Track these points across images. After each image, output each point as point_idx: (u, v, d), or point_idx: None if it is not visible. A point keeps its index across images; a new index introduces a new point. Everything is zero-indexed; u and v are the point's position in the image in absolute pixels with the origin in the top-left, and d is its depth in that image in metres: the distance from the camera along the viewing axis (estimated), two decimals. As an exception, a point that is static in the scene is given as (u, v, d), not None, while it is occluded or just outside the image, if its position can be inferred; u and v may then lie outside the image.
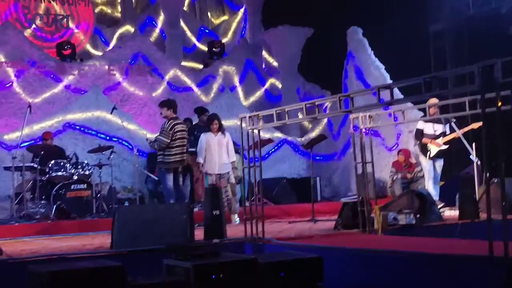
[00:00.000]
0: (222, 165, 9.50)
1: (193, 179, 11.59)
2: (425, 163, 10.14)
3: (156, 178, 11.16)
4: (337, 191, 14.21)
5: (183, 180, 9.94)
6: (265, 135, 14.10)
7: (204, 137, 9.56)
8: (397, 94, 11.83)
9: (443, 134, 10.05)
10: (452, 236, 6.80)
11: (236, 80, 16.68)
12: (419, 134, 10.21)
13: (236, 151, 12.18)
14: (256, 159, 6.85)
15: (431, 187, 9.80)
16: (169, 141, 9.37)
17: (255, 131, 6.77)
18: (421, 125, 10.21)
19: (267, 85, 17.23)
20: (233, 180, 9.53)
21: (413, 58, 13.88)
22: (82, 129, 12.87)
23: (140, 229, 6.51)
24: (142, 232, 6.49)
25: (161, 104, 9.77)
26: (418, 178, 11.43)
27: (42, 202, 10.34)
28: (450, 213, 9.15)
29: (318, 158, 14.79)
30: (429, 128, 10.13)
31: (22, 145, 11.08)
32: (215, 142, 9.54)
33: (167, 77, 15.48)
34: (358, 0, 14.96)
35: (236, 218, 9.61)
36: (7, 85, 13.57)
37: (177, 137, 9.43)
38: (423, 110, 7.34)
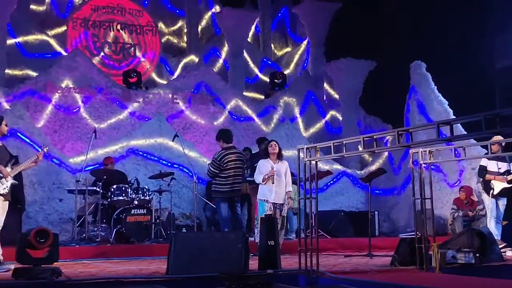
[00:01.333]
0: (279, 194, 8.95)
1: (250, 208, 11.66)
2: (488, 201, 9.88)
3: (214, 206, 11.26)
4: (395, 226, 13.97)
5: (241, 208, 9.98)
6: (324, 166, 14.05)
7: (262, 162, 9.06)
8: (461, 130, 11.63)
9: (508, 172, 9.79)
10: (513, 278, 6.58)
11: (296, 111, 16.73)
12: (482, 171, 9.98)
13: (293, 182, 12.22)
14: (313, 191, 6.83)
15: (492, 226, 9.53)
16: (217, 171, 9.45)
17: (313, 162, 6.77)
18: (484, 162, 9.98)
19: (327, 117, 17.21)
20: (285, 213, 9.03)
21: (478, 94, 13.62)
22: (144, 155, 13.15)
23: (195, 256, 6.57)
24: (198, 259, 6.54)
25: (217, 136, 9.87)
26: (480, 217, 11.13)
27: (103, 225, 10.58)
28: (512, 253, 8.86)
29: (377, 192, 14.61)
30: (493, 166, 9.89)
31: (86, 169, 11.39)
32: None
33: (228, 107, 15.68)
34: (422, 34, 14.86)
35: None
36: (74, 110, 14.00)
37: (228, 167, 9.45)
38: (486, 147, 7.22)
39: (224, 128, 10.91)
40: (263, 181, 8.77)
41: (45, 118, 13.63)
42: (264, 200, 8.84)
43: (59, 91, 13.88)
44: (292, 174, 12.56)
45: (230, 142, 9.75)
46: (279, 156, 9.09)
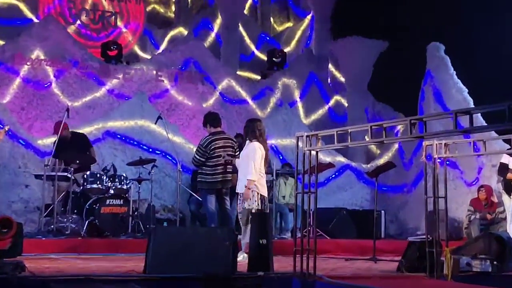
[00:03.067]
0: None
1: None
2: (509, 203, 9.93)
3: (200, 199, 11.27)
4: (404, 228, 14.01)
5: (230, 202, 9.96)
6: (325, 158, 14.06)
7: (258, 145, 8.68)
8: (481, 121, 11.64)
9: (532, 171, 9.83)
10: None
11: (296, 94, 16.73)
12: (504, 169, 10.00)
13: (291, 174, 12.24)
14: (312, 185, 6.83)
15: (513, 231, 9.57)
16: (203, 159, 9.36)
17: (313, 152, 6.76)
18: (506, 159, 9.99)
19: (331, 102, 17.21)
20: (248, 206, 8.61)
21: (502, 82, 13.63)
22: (123, 138, 13.12)
23: (177, 254, 6.55)
24: (180, 257, 6.53)
25: (204, 121, 9.80)
26: (499, 220, 11.17)
27: (74, 216, 10.57)
28: (534, 262, 8.88)
29: (384, 189, 14.62)
30: (516, 163, 9.92)
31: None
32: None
33: (220, 87, 15.65)
34: (441, 12, 14.83)
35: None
36: (45, 85, 13.96)
37: (216, 154, 9.35)
38: (510, 141, 7.22)
39: (212, 111, 10.89)
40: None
41: (12, 93, 13.59)
42: (260, 194, 8.72)
43: (28, 63, 13.83)
44: (289, 165, 12.65)
45: (218, 126, 9.68)
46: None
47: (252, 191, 8.55)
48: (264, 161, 8.72)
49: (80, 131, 12.33)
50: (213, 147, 9.38)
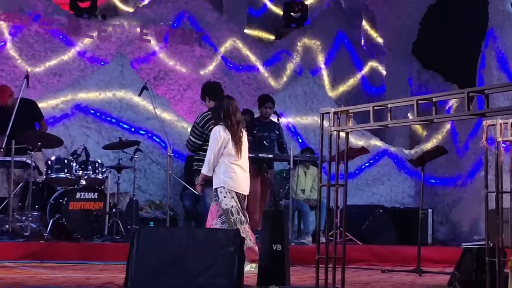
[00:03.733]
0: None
1: (248, 197, 11.68)
2: None
3: (196, 193, 11.28)
4: (457, 231, 14.01)
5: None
6: (357, 142, 14.05)
7: (220, 128, 8.66)
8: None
9: None
10: None
11: (320, 59, 16.69)
12: None
13: (313, 163, 12.24)
14: (340, 176, 6.82)
15: None
16: (200, 142, 9.44)
17: (342, 134, 6.75)
18: None
19: (365, 69, 17.17)
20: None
21: None
22: (98, 114, 13.12)
23: (167, 263, 6.58)
24: (171, 267, 6.56)
25: (202, 93, 9.88)
26: None
27: (35, 213, 10.58)
28: None
29: (432, 181, 14.61)
30: None
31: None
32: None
33: (222, 49, 15.62)
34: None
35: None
36: (-2, 46, 13.98)
37: None
38: None
39: (212, 80, 10.88)
40: None
41: (-47, 57, 13.63)
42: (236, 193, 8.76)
43: (-25, 18, 13.84)
44: (310, 150, 12.65)
45: (217, 99, 9.73)
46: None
47: (223, 188, 8.52)
48: (237, 147, 8.63)
49: (43, 104, 12.33)
50: (210, 128, 9.41)
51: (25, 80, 10.89)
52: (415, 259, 9.49)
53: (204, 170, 8.65)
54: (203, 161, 9.42)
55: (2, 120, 10.77)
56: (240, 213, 8.41)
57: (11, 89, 11.27)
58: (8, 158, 10.37)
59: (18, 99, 11.03)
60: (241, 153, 8.54)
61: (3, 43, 13.97)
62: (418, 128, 16.41)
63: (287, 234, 7.54)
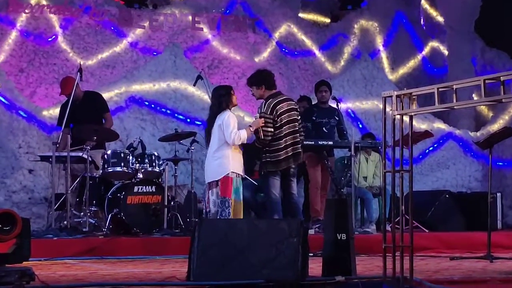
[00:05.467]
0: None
1: (308, 186, 11.69)
2: None
3: (255, 183, 11.31)
4: (528, 215, 13.91)
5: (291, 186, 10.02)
6: (420, 125, 13.95)
7: (232, 114, 9.52)
8: None
9: None
10: None
11: (379, 41, 16.58)
12: None
13: (375, 149, 12.17)
14: (405, 161, 6.79)
15: None
16: (273, 129, 9.51)
17: (406, 118, 6.71)
18: None
19: (426, 50, 17.01)
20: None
21: None
22: (152, 106, 13.22)
23: (229, 255, 6.61)
24: (233, 260, 6.59)
25: (248, 82, 10.05)
26: None
27: (93, 209, 10.73)
28: None
29: (500, 164, 14.47)
30: None
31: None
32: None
33: (277, 35, 15.61)
34: None
35: None
36: (50, 40, 14.09)
37: (284, 121, 9.57)
38: None
39: (263, 69, 10.89)
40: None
41: (7, 51, 13.78)
42: (238, 175, 9.29)
43: (26, 11, 13.97)
44: (371, 136, 12.58)
45: (274, 88, 9.82)
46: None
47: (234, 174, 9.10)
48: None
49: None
50: (279, 112, 9.52)
51: (78, 73, 10.97)
52: (485, 245, 9.39)
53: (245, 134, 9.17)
54: (275, 150, 9.53)
55: (70, 113, 10.77)
56: None
57: (75, 79, 11.15)
58: (64, 153, 10.48)
59: (81, 92, 11.22)
60: None
61: (54, 36, 14.12)
62: (483, 109, 16.23)
63: (351, 223, 7.53)
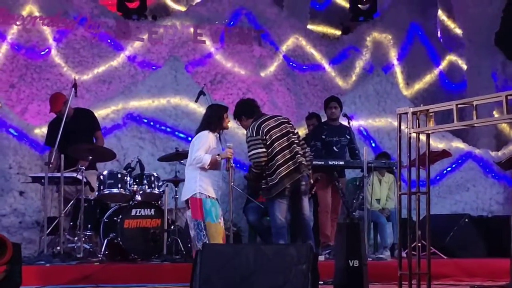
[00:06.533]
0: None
1: (317, 209, 11.67)
2: None
3: (262, 206, 11.31)
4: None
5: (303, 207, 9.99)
6: (437, 144, 13.93)
7: (207, 134, 9.38)
8: None
9: None
10: None
11: (393, 55, 16.62)
12: None
13: (389, 169, 12.15)
14: (421, 183, 6.78)
15: None
16: (265, 149, 9.54)
17: (422, 136, 6.71)
18: None
19: (443, 64, 17.04)
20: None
21: None
22: (151, 123, 13.19)
23: (234, 283, 6.61)
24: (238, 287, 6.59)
25: (235, 115, 10.10)
26: None
27: (87, 233, 10.71)
28: None
29: (523, 185, 14.46)
30: None
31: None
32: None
33: (284, 48, 15.64)
34: None
35: None
36: (42, 53, 14.11)
37: (274, 137, 9.60)
38: None
39: (245, 98, 10.97)
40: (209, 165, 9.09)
41: (-3, 65, 13.83)
42: (208, 196, 9.15)
43: (18, 23, 14.01)
44: (386, 155, 12.56)
45: (255, 114, 9.93)
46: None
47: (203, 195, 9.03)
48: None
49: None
50: (266, 129, 9.53)
51: (73, 89, 10.92)
52: (507, 273, 9.34)
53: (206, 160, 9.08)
54: (271, 173, 9.51)
55: (56, 132, 10.70)
56: None
57: (66, 96, 11.19)
58: (58, 174, 10.46)
59: (72, 109, 11.15)
60: None
61: (47, 50, 14.14)
62: (505, 127, 16.22)
63: (364, 249, 7.52)
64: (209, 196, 9.07)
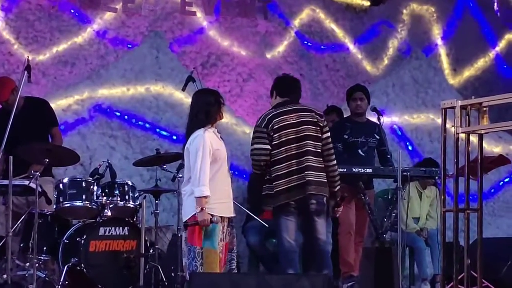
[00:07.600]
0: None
1: (337, 230, 11.69)
2: None
3: (266, 225, 11.32)
4: None
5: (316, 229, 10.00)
6: (492, 148, 13.97)
7: (207, 135, 8.97)
8: None
9: None
10: None
11: (436, 33, 16.68)
12: None
13: (431, 178, 12.15)
14: (472, 197, 6.81)
15: None
16: (267, 147, 9.54)
17: (473, 137, 6.74)
18: None
19: (500, 45, 17.10)
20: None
21: None
22: (126, 117, 13.24)
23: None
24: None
25: (271, 91, 10.09)
26: None
27: (42, 258, 10.72)
28: None
29: None
30: None
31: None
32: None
33: (296, 22, 15.66)
34: None
35: None
36: (-12, 26, 14.19)
37: (284, 138, 9.55)
38: None
39: (285, 74, 10.93)
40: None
41: None
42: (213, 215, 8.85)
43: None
44: (431, 161, 12.54)
45: (288, 95, 9.78)
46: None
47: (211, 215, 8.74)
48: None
49: (51, 105, 12.40)
50: (276, 126, 9.48)
51: (25, 72, 10.85)
52: None
53: (205, 191, 8.76)
54: (274, 178, 9.50)
55: (3, 128, 10.53)
56: None
57: (15, 83, 11.22)
58: (5, 182, 10.43)
59: (22, 99, 11.11)
60: None
61: (-7, 23, 14.19)
62: None
63: (397, 281, 7.56)
64: (214, 215, 8.77)
